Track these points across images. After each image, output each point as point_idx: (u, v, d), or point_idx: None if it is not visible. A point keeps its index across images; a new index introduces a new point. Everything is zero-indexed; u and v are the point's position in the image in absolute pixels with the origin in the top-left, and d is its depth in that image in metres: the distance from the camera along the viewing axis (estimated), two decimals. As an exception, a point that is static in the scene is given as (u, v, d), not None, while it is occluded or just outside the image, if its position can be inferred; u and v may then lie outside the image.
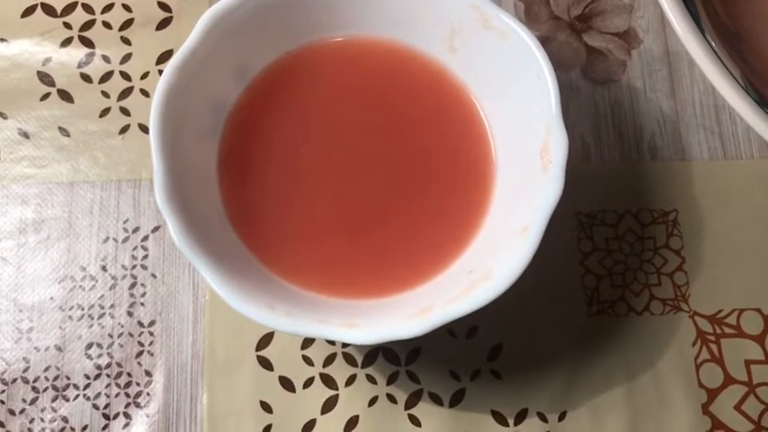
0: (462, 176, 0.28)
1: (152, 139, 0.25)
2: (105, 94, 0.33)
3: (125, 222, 0.31)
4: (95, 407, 0.29)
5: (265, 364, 0.30)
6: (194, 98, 0.27)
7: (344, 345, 0.30)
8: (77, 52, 0.33)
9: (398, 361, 0.30)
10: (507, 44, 0.27)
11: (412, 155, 0.28)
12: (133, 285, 0.30)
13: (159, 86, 0.26)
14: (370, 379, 0.29)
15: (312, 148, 0.28)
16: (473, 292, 0.24)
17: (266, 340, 0.30)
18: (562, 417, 0.29)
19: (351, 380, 0.29)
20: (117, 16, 0.34)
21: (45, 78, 0.33)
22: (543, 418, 0.29)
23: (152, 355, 0.30)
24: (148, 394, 0.29)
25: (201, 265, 0.24)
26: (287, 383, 0.29)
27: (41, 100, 0.33)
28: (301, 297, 0.27)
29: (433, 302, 0.25)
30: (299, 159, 0.28)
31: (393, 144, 0.28)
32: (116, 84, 0.33)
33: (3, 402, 0.29)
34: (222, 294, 0.24)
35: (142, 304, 0.30)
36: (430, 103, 0.29)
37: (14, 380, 0.29)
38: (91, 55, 0.33)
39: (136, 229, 0.31)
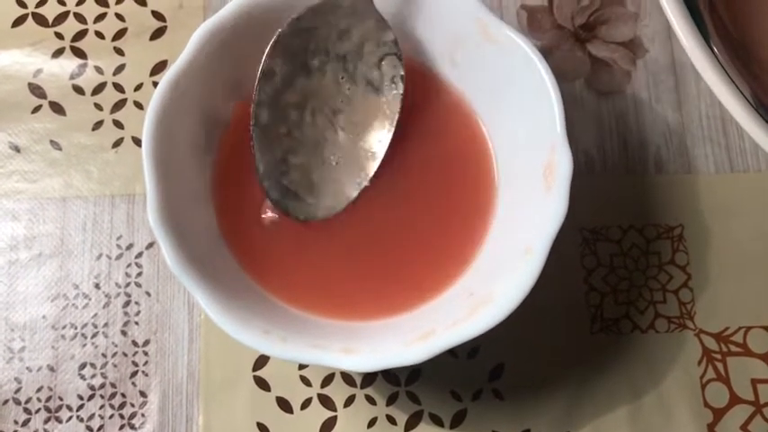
0: (463, 195, 0.27)
1: (145, 160, 0.24)
2: (98, 107, 0.32)
3: (119, 239, 0.30)
4: (89, 428, 0.28)
5: (262, 384, 0.29)
6: (188, 114, 0.26)
7: (343, 365, 0.29)
8: (69, 63, 0.32)
9: (398, 381, 0.29)
10: (510, 58, 0.26)
11: (412, 172, 0.28)
12: (127, 304, 0.30)
13: (152, 104, 0.25)
14: (370, 400, 0.29)
15: (309, 164, 0.28)
16: (475, 317, 0.24)
17: (263, 360, 0.29)
18: (565, 437, 0.29)
19: (350, 401, 0.29)
20: (110, 26, 0.33)
21: (36, 90, 0.32)
22: (546, 439, 0.29)
23: (147, 375, 0.29)
24: (143, 415, 0.29)
25: (195, 288, 0.24)
26: (284, 404, 0.29)
27: (33, 112, 0.32)
28: (298, 319, 0.26)
29: (434, 327, 0.24)
30: (295, 176, 0.28)
31: (393, 162, 0.28)
32: (109, 96, 0.32)
33: (-6, 425, 0.28)
34: (216, 320, 0.24)
35: (136, 323, 0.29)
36: (431, 118, 0.28)
37: (6, 401, 0.29)
38: (83, 66, 0.32)
39: (129, 246, 0.30)
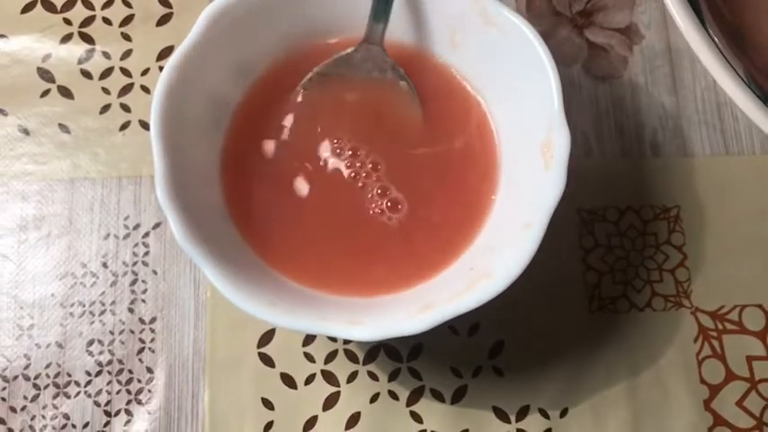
0: (464, 173, 0.28)
1: (153, 137, 0.25)
2: (106, 91, 0.33)
3: (126, 219, 0.31)
4: (96, 404, 0.29)
5: (267, 360, 0.29)
6: (195, 95, 0.27)
7: (346, 342, 0.30)
8: (77, 48, 0.33)
9: (400, 358, 0.30)
10: (509, 40, 0.27)
11: (414, 151, 0.28)
12: (134, 282, 0.30)
13: (159, 84, 0.26)
14: (372, 376, 0.29)
15: (315, 144, 0.28)
16: (475, 289, 0.24)
17: (267, 337, 0.30)
18: (564, 413, 0.29)
19: (352, 376, 0.29)
20: (117, 12, 0.34)
21: (45, 75, 0.33)
22: (545, 415, 0.29)
23: (153, 351, 0.30)
24: (150, 391, 0.29)
25: (203, 261, 0.24)
26: (288, 380, 0.29)
27: (42, 96, 0.32)
28: (303, 294, 0.27)
29: (436, 299, 0.25)
30: (301, 156, 0.28)
31: (396, 141, 0.28)
32: (116, 80, 0.33)
33: (4, 399, 0.29)
34: (223, 291, 0.24)
35: (143, 301, 0.30)
36: (432, 100, 0.28)
37: (15, 377, 0.29)
38: (91, 51, 0.33)
39: (137, 226, 0.31)
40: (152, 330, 0.30)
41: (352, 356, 0.30)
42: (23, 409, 0.29)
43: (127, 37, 0.33)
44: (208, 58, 0.27)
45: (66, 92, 0.33)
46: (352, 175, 0.28)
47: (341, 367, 0.30)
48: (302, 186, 0.28)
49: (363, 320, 0.24)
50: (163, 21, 0.33)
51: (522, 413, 0.29)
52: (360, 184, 0.28)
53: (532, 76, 0.26)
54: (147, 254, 0.31)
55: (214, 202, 0.27)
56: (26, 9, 0.34)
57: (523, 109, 0.27)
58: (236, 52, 0.28)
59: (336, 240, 0.28)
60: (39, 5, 0.34)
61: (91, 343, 0.30)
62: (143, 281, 0.30)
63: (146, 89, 0.32)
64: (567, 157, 0.25)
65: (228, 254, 0.26)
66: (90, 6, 0.34)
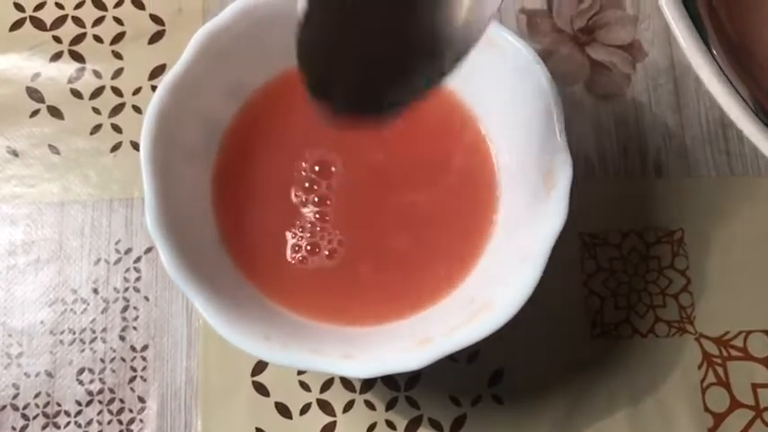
0: (463, 200, 0.27)
1: (143, 164, 0.24)
2: (96, 111, 0.32)
3: (117, 243, 0.30)
4: (87, 434, 0.28)
5: (261, 389, 0.29)
6: (187, 118, 0.26)
7: (342, 371, 0.29)
8: (67, 67, 0.32)
9: (398, 386, 0.29)
10: (509, 62, 0.26)
11: (412, 177, 0.27)
12: (125, 309, 0.30)
13: (150, 108, 0.25)
14: (369, 405, 0.29)
15: (308, 170, 0.27)
16: (474, 323, 0.24)
17: (262, 365, 0.29)
18: (565, 442, 0.29)
19: (349, 406, 0.29)
20: (108, 30, 0.33)
21: (34, 94, 0.32)
22: (546, 444, 0.29)
23: (145, 380, 0.29)
24: (141, 421, 0.29)
25: (194, 294, 0.24)
26: (283, 410, 0.29)
27: (31, 117, 0.32)
28: (297, 325, 0.26)
29: (433, 332, 0.24)
30: (295, 182, 0.28)
31: (392, 166, 0.28)
32: (107, 100, 0.32)
33: (-8, 431, 0.28)
34: (215, 326, 0.23)
35: (135, 328, 0.29)
36: (430, 123, 0.28)
37: (4, 407, 0.29)
38: (81, 70, 0.32)
39: (128, 251, 0.30)
40: (144, 358, 0.29)
41: (348, 385, 0.29)
42: (12, 440, 0.28)
43: (118, 55, 0.32)
44: (200, 80, 0.26)
45: (55, 112, 0.32)
46: (349, 199, 0.27)
47: (337, 396, 0.29)
48: (295, 212, 0.27)
49: (358, 354, 0.24)
50: (155, 38, 0.33)
51: (523, 442, 0.29)
52: (356, 210, 0.27)
53: (533, 102, 0.25)
54: (138, 279, 0.30)
55: (206, 229, 0.27)
56: (15, 26, 0.33)
57: (524, 133, 0.26)
58: (229, 73, 0.27)
59: (333, 269, 0.27)
60: (28, 23, 0.33)
61: (81, 371, 0.29)
62: (135, 307, 0.30)
63: (137, 109, 0.32)
64: (569, 185, 0.25)
65: (221, 284, 0.25)
66: (80, 24, 0.33)
